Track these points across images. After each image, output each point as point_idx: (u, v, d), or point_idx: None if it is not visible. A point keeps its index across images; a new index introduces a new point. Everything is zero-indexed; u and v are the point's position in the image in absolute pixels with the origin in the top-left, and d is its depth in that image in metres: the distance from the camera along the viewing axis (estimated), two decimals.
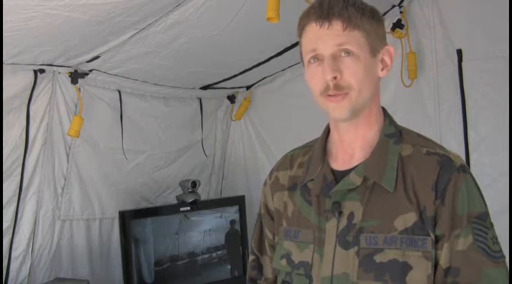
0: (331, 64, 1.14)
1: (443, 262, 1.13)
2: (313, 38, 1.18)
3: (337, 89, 1.15)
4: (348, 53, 1.15)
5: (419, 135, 1.26)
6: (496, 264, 1.12)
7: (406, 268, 1.13)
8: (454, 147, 2.51)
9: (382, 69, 1.22)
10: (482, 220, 1.14)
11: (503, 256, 1.14)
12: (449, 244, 1.13)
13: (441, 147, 1.22)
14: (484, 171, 2.42)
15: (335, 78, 1.14)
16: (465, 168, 1.18)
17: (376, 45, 1.20)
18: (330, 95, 1.16)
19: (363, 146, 1.23)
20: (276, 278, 1.38)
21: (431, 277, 1.13)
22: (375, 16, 1.20)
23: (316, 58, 1.17)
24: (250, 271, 1.43)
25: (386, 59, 1.23)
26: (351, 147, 1.24)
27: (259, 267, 1.42)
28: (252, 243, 1.44)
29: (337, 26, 1.15)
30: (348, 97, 1.16)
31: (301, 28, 1.21)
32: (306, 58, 1.20)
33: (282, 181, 1.35)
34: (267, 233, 1.39)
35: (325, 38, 1.15)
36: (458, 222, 1.13)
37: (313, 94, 1.20)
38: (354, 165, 1.22)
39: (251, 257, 1.44)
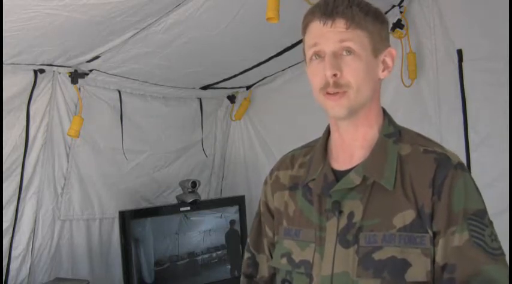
0: (332, 61, 1.16)
1: (439, 259, 1.13)
2: (316, 34, 1.19)
3: (336, 87, 1.16)
4: (349, 51, 1.16)
5: (418, 135, 1.27)
6: (494, 261, 1.11)
7: (405, 265, 1.13)
8: (455, 147, 2.50)
9: (383, 71, 1.23)
10: (479, 217, 1.14)
11: (503, 254, 1.13)
12: (444, 241, 1.13)
13: (439, 146, 1.23)
14: (485, 170, 2.42)
15: (335, 75, 1.15)
16: (463, 166, 1.19)
17: (378, 46, 1.20)
18: (328, 93, 1.17)
19: (363, 146, 1.24)
20: (271, 276, 1.38)
21: (430, 274, 1.13)
22: (379, 17, 1.21)
23: (318, 55, 1.19)
24: (245, 268, 1.43)
25: (388, 61, 1.24)
26: (351, 147, 1.25)
27: (255, 265, 1.42)
28: (248, 241, 1.45)
29: (340, 24, 1.16)
30: (346, 95, 1.17)
31: (305, 25, 1.22)
32: (308, 54, 1.21)
33: (283, 180, 1.36)
34: (268, 231, 1.40)
35: (328, 34, 1.16)
36: (454, 219, 1.13)
37: (313, 91, 1.21)
38: (354, 164, 1.23)
39: (246, 255, 1.44)
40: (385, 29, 1.24)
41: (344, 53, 1.16)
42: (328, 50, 1.16)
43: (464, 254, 1.11)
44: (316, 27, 1.18)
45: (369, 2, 1.21)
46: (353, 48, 1.16)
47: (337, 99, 1.17)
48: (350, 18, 1.16)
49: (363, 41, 1.17)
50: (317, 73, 1.18)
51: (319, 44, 1.18)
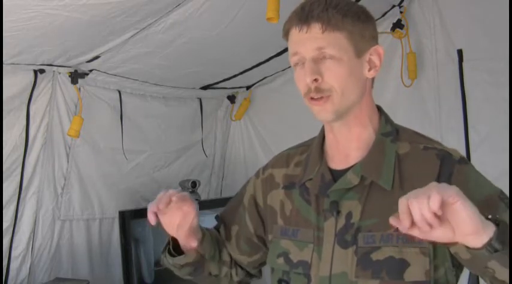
0: (312, 67, 1.15)
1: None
2: (295, 41, 1.19)
3: (317, 92, 1.16)
4: (329, 56, 1.15)
5: (416, 133, 1.27)
6: None
7: (403, 264, 1.13)
8: (455, 146, 2.48)
9: (369, 70, 1.21)
10: (506, 196, 1.16)
11: None
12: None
13: (438, 143, 1.23)
14: (485, 170, 2.40)
15: (316, 80, 1.15)
16: (465, 159, 1.20)
17: (361, 45, 1.19)
18: (312, 98, 1.18)
19: (359, 146, 1.23)
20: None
21: (429, 273, 1.13)
22: (361, 17, 1.19)
23: (300, 61, 1.19)
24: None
25: (374, 59, 1.22)
26: (346, 148, 1.24)
27: (218, 226, 1.46)
28: (223, 210, 1.48)
29: (315, 29, 1.15)
30: (330, 100, 1.17)
31: (286, 32, 1.22)
32: (291, 61, 1.22)
33: (277, 179, 1.35)
34: (249, 225, 1.39)
35: (305, 41, 1.16)
36: (486, 206, 1.10)
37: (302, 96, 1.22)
38: (351, 164, 1.23)
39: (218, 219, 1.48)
40: (369, 28, 1.22)
41: (323, 57, 1.16)
42: (307, 57, 1.16)
43: None
44: (294, 34, 1.18)
45: (351, 2, 1.20)
46: (331, 53, 1.15)
47: (322, 104, 1.17)
48: (326, 22, 1.14)
49: (341, 43, 1.15)
50: (300, 80, 1.19)
51: (299, 53, 1.18)
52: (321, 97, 1.16)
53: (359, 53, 1.18)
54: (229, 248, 1.43)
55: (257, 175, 1.41)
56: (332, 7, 1.15)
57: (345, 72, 1.16)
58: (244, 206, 1.41)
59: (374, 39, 1.23)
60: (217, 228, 1.47)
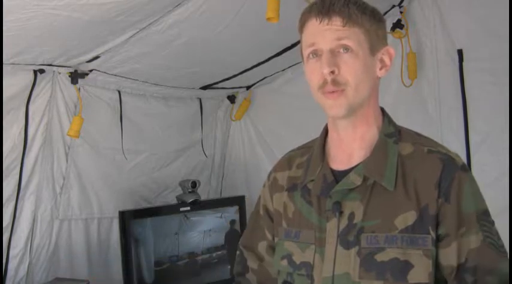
0: (329, 58, 1.16)
1: (452, 260, 1.15)
2: (313, 32, 1.19)
3: (334, 85, 1.16)
4: (347, 49, 1.16)
5: (418, 134, 1.27)
6: (505, 258, 1.16)
7: (407, 266, 1.13)
8: (455, 147, 2.50)
9: (380, 69, 1.23)
10: (487, 217, 1.17)
11: (506, 251, 1.18)
12: (458, 243, 1.14)
13: (442, 146, 1.24)
14: (486, 170, 2.42)
15: (332, 72, 1.15)
16: (466, 167, 1.20)
17: (375, 44, 1.20)
18: (327, 92, 1.17)
19: (362, 146, 1.24)
20: (261, 268, 1.40)
21: (432, 275, 1.14)
22: (376, 16, 1.22)
23: (315, 53, 1.19)
24: (236, 266, 1.46)
25: (386, 59, 1.23)
26: (350, 147, 1.25)
27: (244, 261, 1.44)
28: (241, 239, 1.47)
29: (336, 21, 1.16)
30: (344, 94, 1.17)
31: (302, 23, 1.22)
32: (306, 53, 1.21)
33: (281, 181, 1.36)
34: (267, 234, 1.40)
35: (325, 33, 1.17)
36: (466, 220, 1.15)
37: (311, 90, 1.21)
38: (353, 164, 1.23)
39: (237, 253, 1.46)
40: (382, 28, 1.24)
41: (341, 50, 1.16)
42: (325, 48, 1.16)
43: (482, 254, 1.14)
44: (313, 25, 1.19)
45: (365, 2, 1.22)
46: (350, 45, 1.16)
47: (336, 98, 1.17)
48: (347, 16, 1.16)
49: (359, 39, 1.17)
50: (315, 72, 1.18)
51: (317, 43, 1.18)
52: (335, 91, 1.16)
53: (373, 50, 1.20)
54: (268, 267, 1.41)
55: (264, 185, 1.42)
56: (352, 3, 1.17)
57: (360, 67, 1.17)
58: (262, 217, 1.42)
59: (385, 40, 1.25)
60: (241, 271, 1.45)
